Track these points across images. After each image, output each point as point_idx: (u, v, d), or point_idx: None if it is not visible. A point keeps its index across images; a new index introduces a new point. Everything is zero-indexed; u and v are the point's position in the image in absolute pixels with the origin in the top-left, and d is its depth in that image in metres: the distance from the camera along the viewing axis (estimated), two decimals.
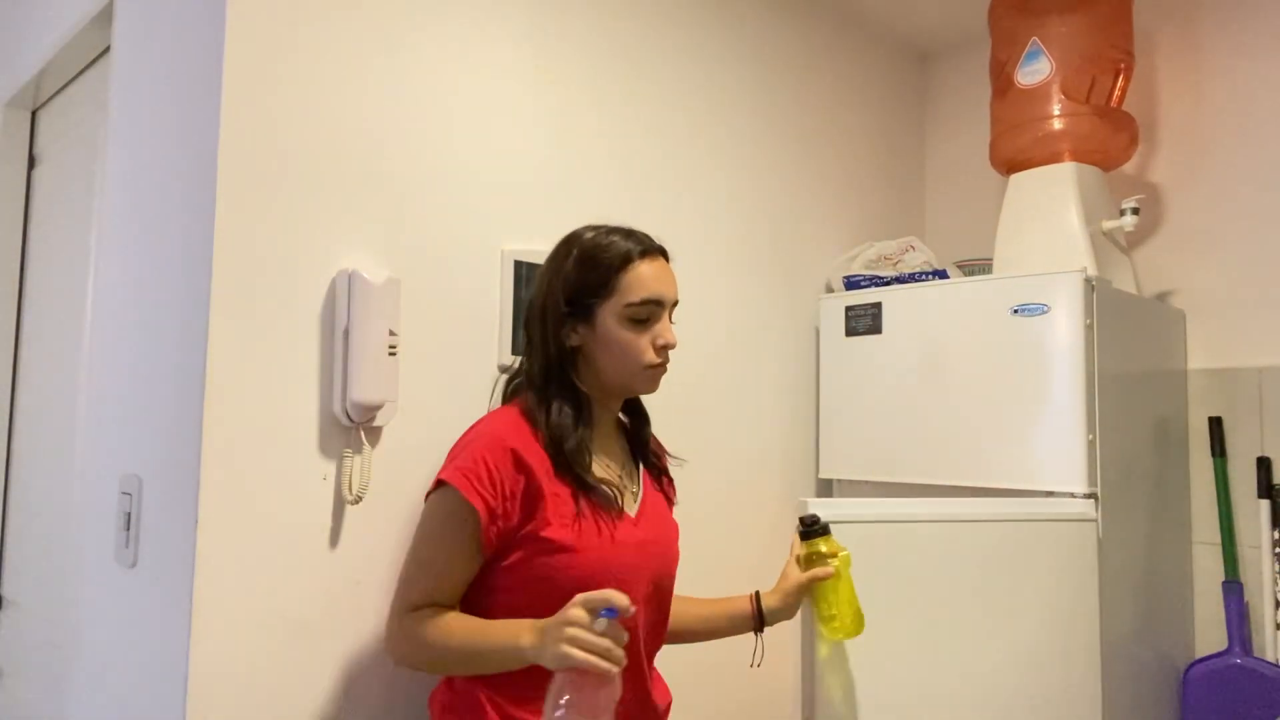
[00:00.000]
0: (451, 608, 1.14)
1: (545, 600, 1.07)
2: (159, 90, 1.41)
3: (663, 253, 1.22)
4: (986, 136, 2.06)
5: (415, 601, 1.13)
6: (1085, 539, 1.57)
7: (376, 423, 1.33)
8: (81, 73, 1.84)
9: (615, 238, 1.19)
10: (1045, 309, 1.65)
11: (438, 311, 1.44)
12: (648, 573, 1.20)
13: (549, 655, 0.99)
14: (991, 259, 2.01)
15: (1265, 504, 1.84)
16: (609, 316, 1.18)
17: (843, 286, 2.04)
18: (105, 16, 1.60)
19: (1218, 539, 1.90)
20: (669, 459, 1.39)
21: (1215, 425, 1.92)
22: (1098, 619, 1.57)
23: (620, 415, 1.32)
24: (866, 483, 1.92)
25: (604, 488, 1.17)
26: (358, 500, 1.30)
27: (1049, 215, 1.90)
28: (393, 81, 1.40)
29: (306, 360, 1.28)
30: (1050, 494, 1.61)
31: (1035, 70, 1.91)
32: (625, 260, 1.17)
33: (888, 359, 1.87)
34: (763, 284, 1.99)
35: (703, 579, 1.78)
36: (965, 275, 2.03)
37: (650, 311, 1.18)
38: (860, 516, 1.77)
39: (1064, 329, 1.62)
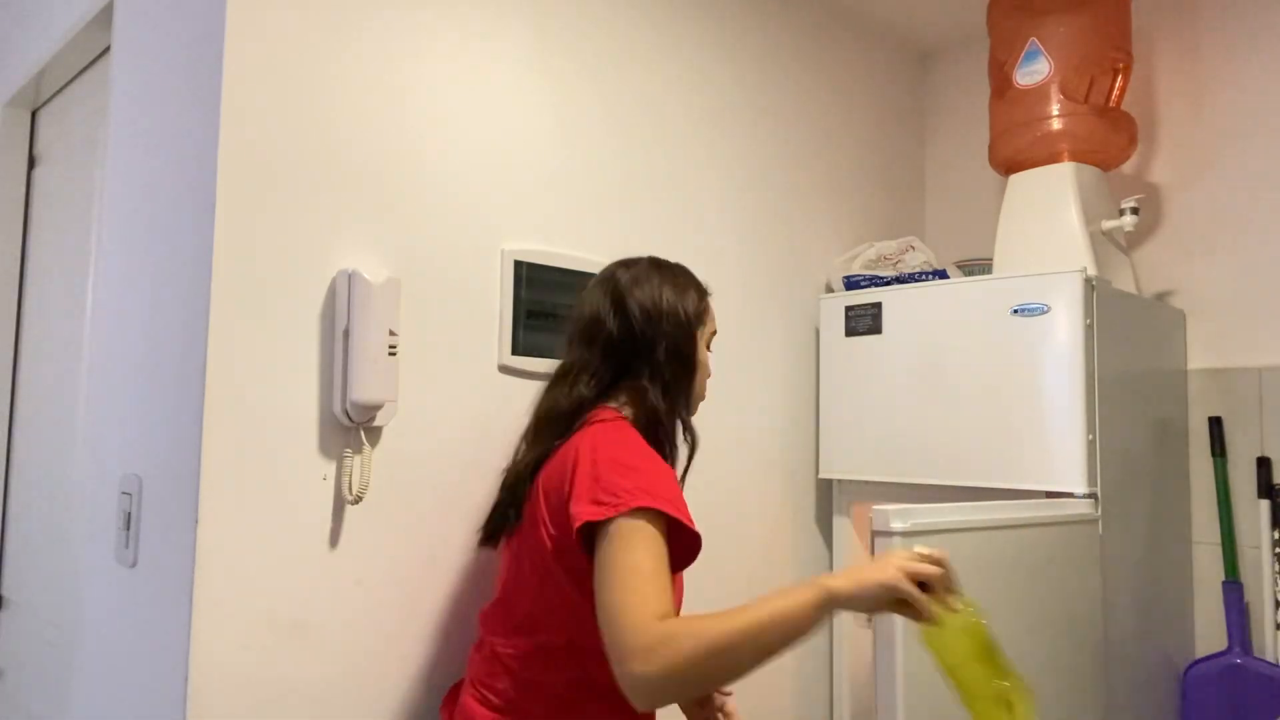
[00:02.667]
0: None
1: None
2: (159, 90, 1.41)
3: None
4: (986, 136, 2.06)
5: (660, 610, 0.98)
6: (1085, 539, 1.57)
7: (376, 423, 1.33)
8: (81, 73, 1.84)
9: (689, 270, 1.36)
10: (1045, 309, 1.65)
11: (438, 311, 1.44)
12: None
13: (872, 588, 0.97)
14: (991, 259, 2.01)
15: (1265, 504, 1.84)
16: (701, 341, 1.30)
17: (843, 286, 2.04)
18: (105, 16, 1.60)
19: (1218, 539, 1.90)
20: None
21: (1215, 425, 1.92)
22: (1098, 619, 1.57)
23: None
24: (866, 483, 1.92)
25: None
26: (358, 500, 1.30)
27: (1048, 215, 1.90)
28: (393, 81, 1.40)
29: (306, 360, 1.28)
30: (1050, 494, 1.61)
31: (1034, 70, 1.91)
32: (708, 293, 1.34)
33: (888, 359, 1.87)
34: (763, 284, 1.99)
35: (703, 578, 1.78)
36: (965, 275, 2.03)
37: (711, 343, 1.35)
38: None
39: (1064, 329, 1.62)
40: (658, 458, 1.16)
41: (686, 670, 0.93)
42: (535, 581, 1.16)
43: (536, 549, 1.16)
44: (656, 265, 1.31)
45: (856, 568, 1.01)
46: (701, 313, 1.29)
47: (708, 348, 1.32)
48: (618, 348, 1.24)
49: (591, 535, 1.06)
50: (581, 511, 1.06)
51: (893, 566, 0.98)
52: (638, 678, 0.93)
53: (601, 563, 1.02)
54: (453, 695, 1.27)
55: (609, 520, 1.03)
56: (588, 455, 1.12)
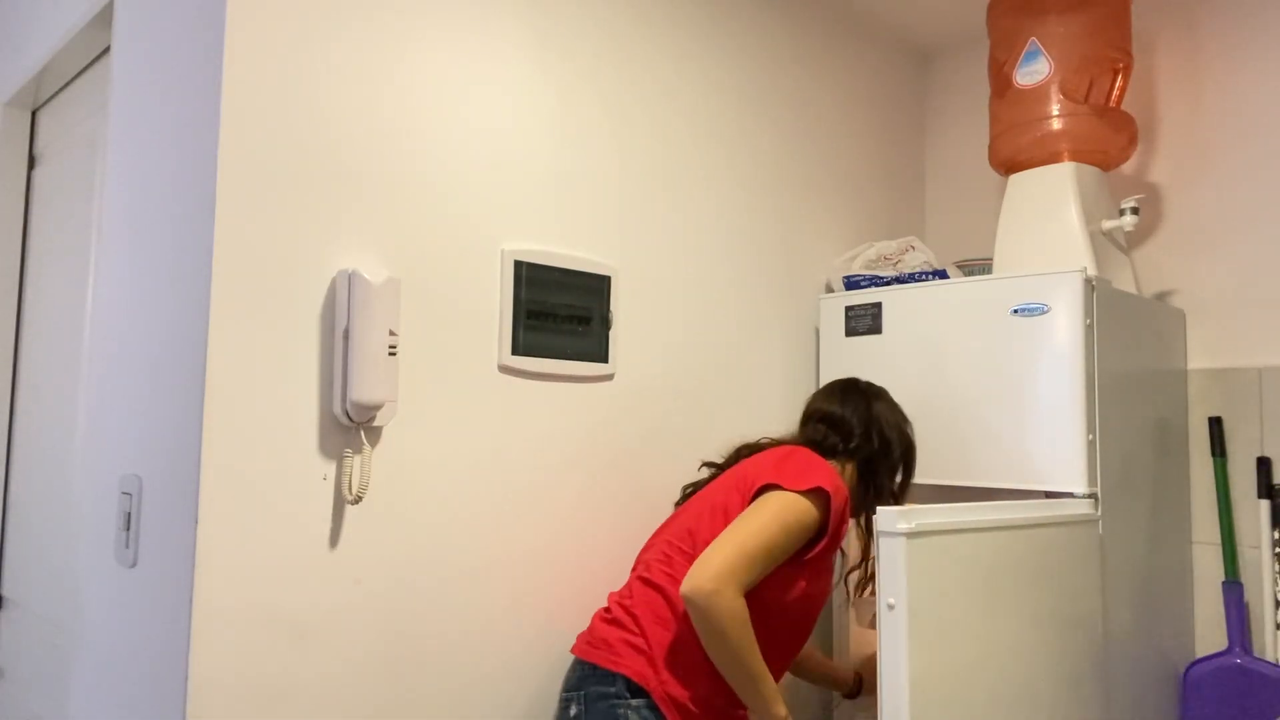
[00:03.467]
0: None
1: (778, 614, 1.40)
2: (159, 90, 1.41)
3: None
4: (986, 136, 2.07)
5: (748, 581, 1.30)
6: (1085, 539, 1.57)
7: (376, 423, 1.33)
8: (81, 73, 1.84)
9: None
10: (1045, 309, 1.65)
11: (438, 311, 1.44)
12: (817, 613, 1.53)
13: None
14: (991, 259, 2.01)
15: (1265, 504, 1.84)
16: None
17: (843, 286, 2.04)
18: (105, 16, 1.60)
19: (1218, 539, 1.90)
20: None
21: (1215, 425, 1.92)
22: (1098, 619, 1.57)
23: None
24: None
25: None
26: (358, 500, 1.30)
27: (1049, 215, 1.90)
28: (392, 81, 1.40)
29: (306, 360, 1.28)
30: (1050, 494, 1.61)
31: (1034, 70, 1.91)
32: None
33: (888, 359, 1.87)
34: (763, 284, 1.99)
35: None
36: (965, 275, 2.03)
37: None
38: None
39: (1064, 329, 1.62)
40: (842, 484, 1.45)
41: (711, 632, 1.29)
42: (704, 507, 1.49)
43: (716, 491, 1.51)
44: (901, 415, 1.67)
45: None
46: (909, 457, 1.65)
47: None
48: (854, 442, 1.58)
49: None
50: (776, 476, 1.41)
51: None
52: (690, 586, 1.28)
53: (759, 505, 1.37)
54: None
55: (788, 490, 1.37)
56: (793, 453, 1.50)
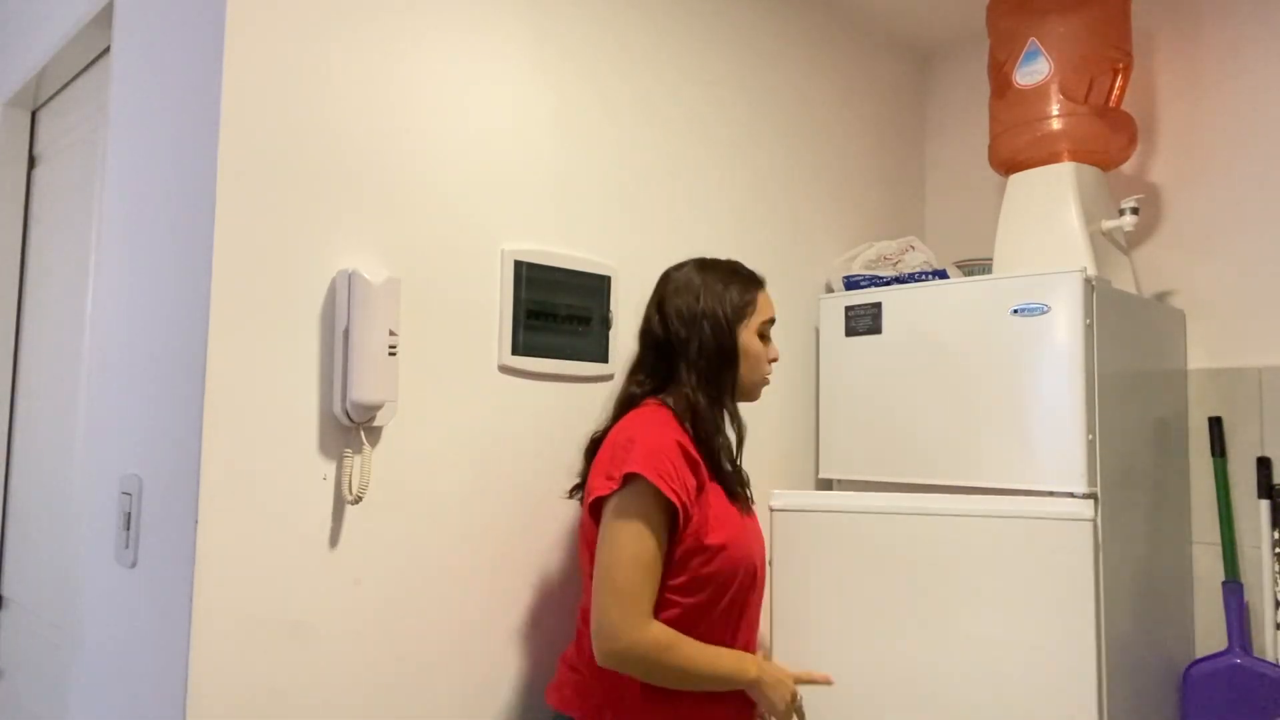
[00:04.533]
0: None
1: (701, 593, 1.29)
2: (159, 90, 1.41)
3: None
4: (986, 136, 2.06)
5: (646, 609, 1.23)
6: (1085, 539, 1.57)
7: (376, 423, 1.33)
8: (81, 73, 1.84)
9: (741, 267, 1.47)
10: (1045, 309, 1.65)
11: (438, 311, 1.44)
12: (762, 560, 1.40)
13: (767, 695, 1.30)
14: (991, 259, 2.01)
15: (1265, 504, 1.84)
16: (747, 332, 1.40)
17: (843, 286, 2.04)
18: (105, 16, 1.60)
19: (1218, 539, 1.90)
20: None
21: (1215, 425, 1.92)
22: (1098, 619, 1.57)
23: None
24: (866, 483, 1.91)
25: (743, 480, 1.40)
26: (358, 500, 1.30)
27: (1048, 215, 1.90)
28: (393, 80, 1.40)
29: (306, 360, 1.28)
30: (1050, 494, 1.61)
31: (1033, 70, 1.91)
32: (758, 285, 1.46)
33: (888, 359, 1.87)
34: None
35: None
36: (965, 275, 2.03)
37: (768, 329, 1.44)
38: (858, 508, 1.78)
39: (1064, 329, 1.62)
40: (665, 434, 1.29)
41: (638, 672, 1.24)
42: (583, 549, 1.38)
43: (584, 523, 1.38)
44: (700, 266, 1.45)
45: (774, 668, 1.34)
46: (742, 306, 1.40)
47: (763, 336, 1.43)
48: (661, 349, 1.40)
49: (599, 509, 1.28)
50: (595, 486, 1.29)
51: (789, 689, 1.33)
52: (600, 653, 1.23)
53: (601, 536, 1.26)
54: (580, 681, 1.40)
55: (611, 494, 1.25)
56: (611, 438, 1.33)
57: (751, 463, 1.93)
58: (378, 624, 1.34)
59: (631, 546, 1.22)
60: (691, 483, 1.28)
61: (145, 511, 1.31)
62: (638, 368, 1.45)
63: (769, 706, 1.31)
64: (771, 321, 1.45)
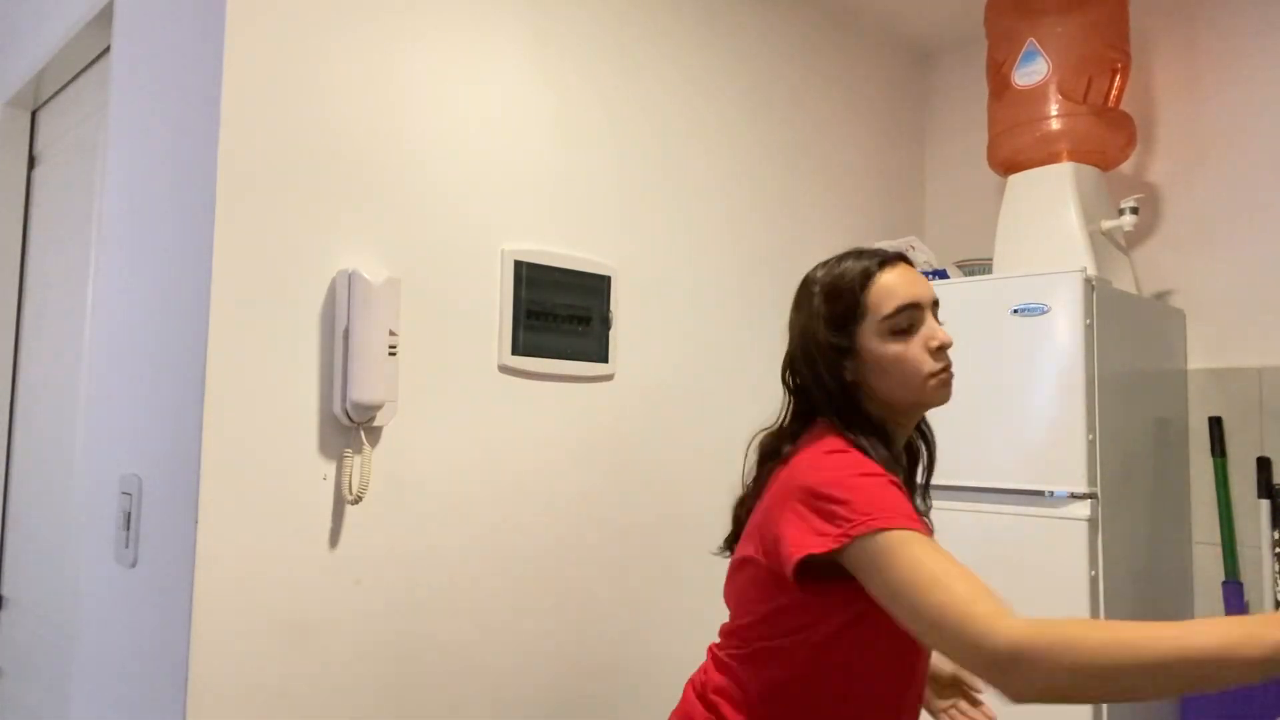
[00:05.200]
0: None
1: (875, 643, 1.01)
2: (159, 90, 1.41)
3: (902, 258, 1.13)
4: (986, 137, 2.06)
5: (995, 606, 0.84)
6: (1085, 539, 1.57)
7: (376, 423, 1.33)
8: (81, 73, 1.84)
9: (848, 262, 1.13)
10: (1045, 309, 1.65)
11: (438, 311, 1.44)
12: None
13: None
14: (991, 259, 2.01)
15: (1265, 504, 1.84)
16: (870, 339, 1.09)
17: None
18: (105, 16, 1.60)
19: (1218, 539, 1.90)
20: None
21: (1215, 425, 1.92)
22: (1098, 619, 1.57)
23: (913, 438, 1.21)
24: None
25: (927, 520, 1.13)
26: (358, 500, 1.30)
27: (1048, 215, 1.90)
28: (392, 81, 1.40)
29: (306, 360, 1.28)
30: (1050, 494, 1.61)
31: (1032, 71, 1.91)
32: (866, 277, 1.10)
33: None
34: (762, 283, 1.99)
35: (701, 580, 1.79)
36: (965, 275, 2.03)
37: (910, 318, 1.08)
38: None
39: (1064, 329, 1.62)
40: (875, 468, 1.02)
41: (1061, 681, 0.78)
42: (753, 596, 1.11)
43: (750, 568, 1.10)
44: (808, 281, 1.17)
45: None
46: (843, 316, 1.10)
47: (900, 331, 1.08)
48: (796, 382, 1.17)
49: (810, 566, 0.97)
50: (802, 543, 0.98)
51: None
52: (998, 668, 0.81)
53: (877, 584, 0.93)
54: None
55: (839, 549, 0.94)
56: (789, 483, 1.05)
57: (751, 462, 1.94)
58: (377, 624, 1.34)
59: (931, 563, 0.91)
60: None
61: (145, 511, 1.31)
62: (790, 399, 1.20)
63: None
64: (909, 308, 1.08)
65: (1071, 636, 0.78)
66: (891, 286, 1.09)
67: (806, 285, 1.17)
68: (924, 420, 1.20)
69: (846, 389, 1.11)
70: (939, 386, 1.08)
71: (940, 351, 1.08)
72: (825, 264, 1.17)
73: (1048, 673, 0.78)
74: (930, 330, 1.09)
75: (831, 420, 1.10)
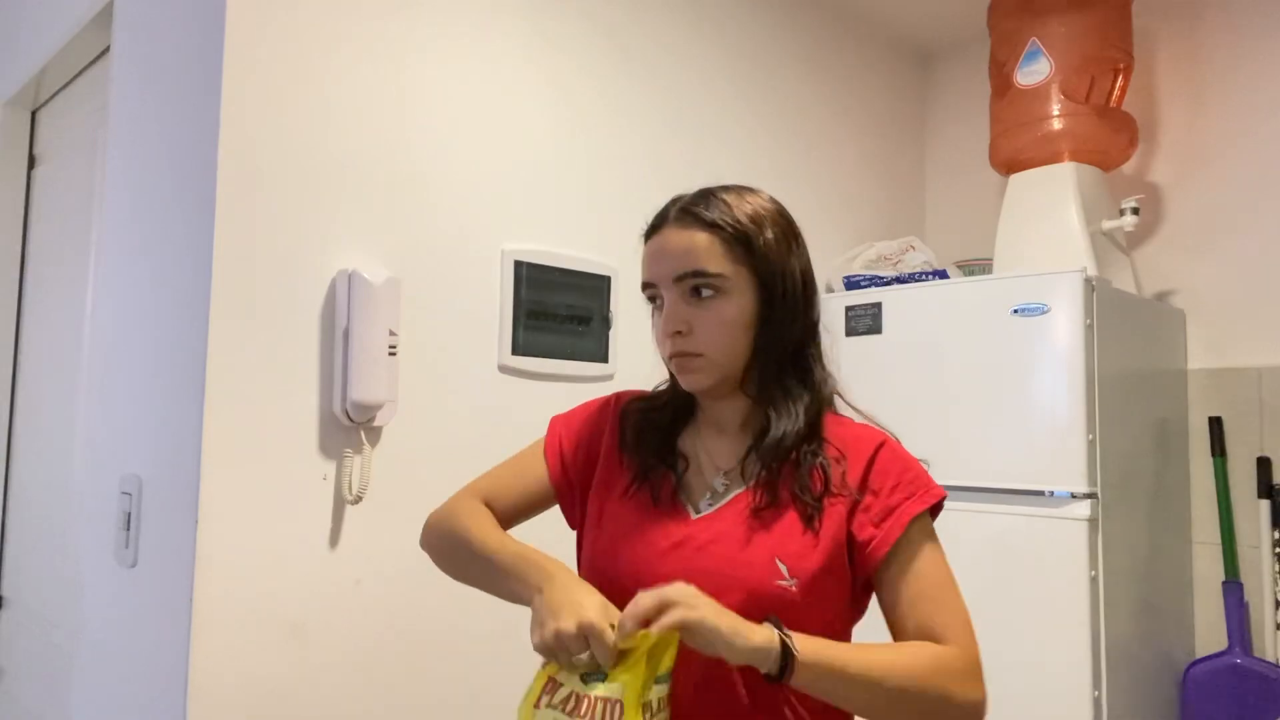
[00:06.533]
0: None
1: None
2: (159, 90, 1.41)
3: (681, 217, 0.96)
4: (986, 136, 2.06)
5: (480, 487, 1.03)
6: (1085, 539, 1.57)
7: (376, 423, 1.33)
8: (81, 73, 1.84)
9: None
10: (1045, 309, 1.65)
11: (438, 311, 1.44)
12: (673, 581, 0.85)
13: (534, 622, 0.87)
14: (991, 259, 2.01)
15: (1265, 504, 1.83)
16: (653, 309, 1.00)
17: (843, 286, 2.04)
18: (105, 16, 1.60)
19: (1218, 539, 1.90)
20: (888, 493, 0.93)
21: (1215, 425, 1.92)
22: (1098, 619, 1.57)
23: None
24: None
25: (662, 469, 0.98)
26: (358, 500, 1.30)
27: (1049, 215, 1.90)
28: (393, 82, 1.40)
29: (306, 360, 1.28)
30: (1050, 494, 1.61)
31: (1035, 70, 1.91)
32: (644, 239, 1.01)
33: (888, 359, 1.87)
34: None
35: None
36: (965, 275, 2.03)
37: (654, 295, 0.97)
38: None
39: (1064, 329, 1.62)
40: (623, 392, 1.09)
41: (431, 539, 1.04)
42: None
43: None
44: None
45: (572, 590, 0.88)
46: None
47: (653, 300, 0.98)
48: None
49: None
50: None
51: (537, 626, 0.88)
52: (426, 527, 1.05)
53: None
54: None
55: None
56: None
57: None
58: (377, 624, 1.34)
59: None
60: (586, 436, 1.04)
61: (145, 511, 1.31)
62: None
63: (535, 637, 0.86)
64: (648, 285, 0.98)
65: (456, 506, 1.02)
66: (644, 259, 0.99)
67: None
68: (779, 406, 0.95)
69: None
70: (678, 371, 0.96)
71: (667, 339, 0.94)
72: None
73: (433, 518, 1.02)
74: (666, 312, 0.95)
75: None
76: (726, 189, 0.99)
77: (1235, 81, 1.98)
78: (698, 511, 0.95)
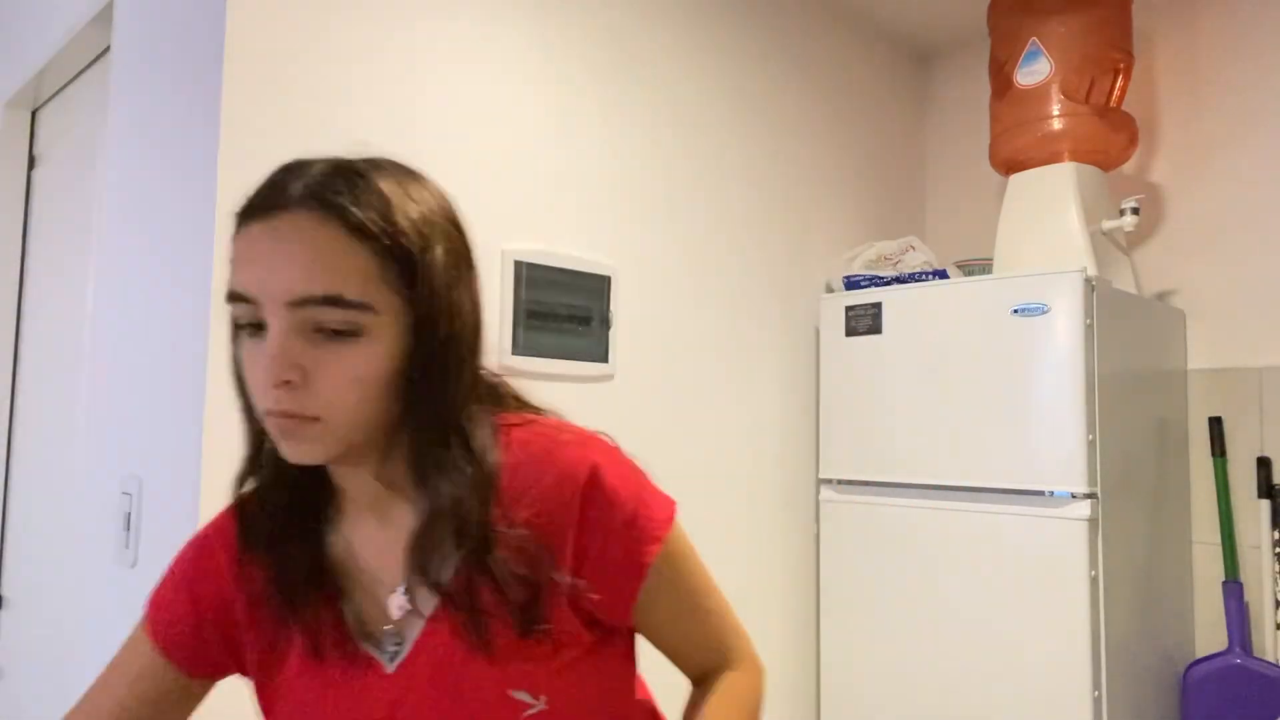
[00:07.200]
0: None
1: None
2: (159, 90, 1.41)
3: (312, 203, 0.63)
4: (986, 136, 2.07)
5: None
6: (1085, 539, 1.57)
7: None
8: (81, 73, 1.84)
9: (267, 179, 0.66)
10: (1045, 309, 1.65)
11: None
12: None
13: None
14: (991, 259, 2.01)
15: (1265, 504, 1.84)
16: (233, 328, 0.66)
17: (843, 286, 2.04)
18: (105, 16, 1.60)
19: (1218, 539, 1.90)
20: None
21: (1215, 425, 1.92)
22: (1098, 619, 1.57)
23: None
24: (866, 483, 1.91)
25: (311, 604, 0.69)
26: None
27: (1049, 215, 1.90)
28: (393, 82, 1.40)
29: None
30: (1050, 494, 1.61)
31: (1034, 70, 1.91)
32: (235, 224, 0.65)
33: (888, 359, 1.87)
34: (763, 284, 1.99)
35: None
36: (965, 275, 2.03)
37: (246, 315, 0.63)
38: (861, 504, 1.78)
39: (1064, 329, 1.62)
40: (203, 531, 0.78)
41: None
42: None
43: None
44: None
45: None
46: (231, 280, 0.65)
47: (238, 326, 0.65)
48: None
49: None
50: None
51: None
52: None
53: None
54: None
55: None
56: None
57: (752, 463, 1.94)
58: None
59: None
60: (191, 619, 0.74)
61: (145, 511, 1.31)
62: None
63: None
64: (240, 299, 0.63)
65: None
66: (241, 255, 0.63)
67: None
68: (440, 458, 0.67)
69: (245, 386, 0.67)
70: (276, 432, 0.64)
71: (276, 388, 0.62)
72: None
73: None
74: (269, 340, 0.62)
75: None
76: (379, 168, 0.68)
77: (1235, 81, 1.98)
78: (390, 659, 0.68)
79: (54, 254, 1.90)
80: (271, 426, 0.63)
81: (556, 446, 0.70)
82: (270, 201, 0.63)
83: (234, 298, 0.63)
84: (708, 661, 0.77)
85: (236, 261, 0.63)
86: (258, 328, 0.63)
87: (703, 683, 0.77)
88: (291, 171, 0.65)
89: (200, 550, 0.74)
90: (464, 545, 0.65)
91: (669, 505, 0.73)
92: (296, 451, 0.63)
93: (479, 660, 0.66)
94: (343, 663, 0.68)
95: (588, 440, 0.71)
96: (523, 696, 0.67)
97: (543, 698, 0.68)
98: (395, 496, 0.69)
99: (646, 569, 0.70)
